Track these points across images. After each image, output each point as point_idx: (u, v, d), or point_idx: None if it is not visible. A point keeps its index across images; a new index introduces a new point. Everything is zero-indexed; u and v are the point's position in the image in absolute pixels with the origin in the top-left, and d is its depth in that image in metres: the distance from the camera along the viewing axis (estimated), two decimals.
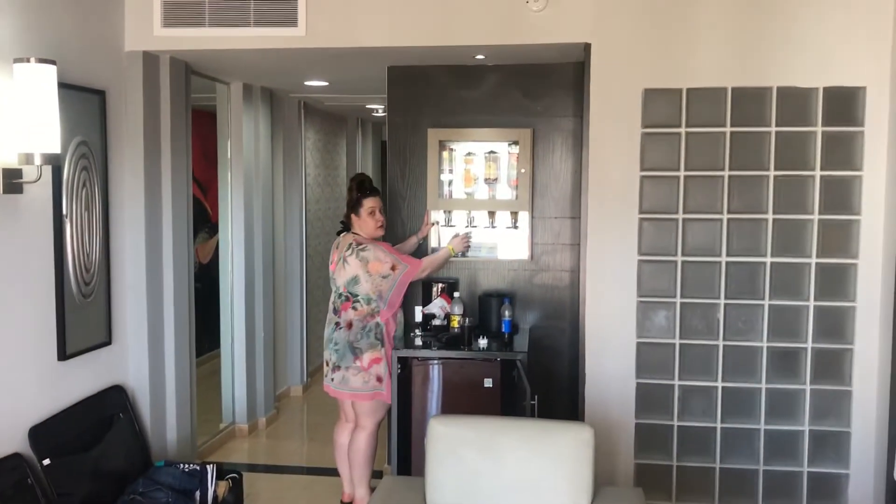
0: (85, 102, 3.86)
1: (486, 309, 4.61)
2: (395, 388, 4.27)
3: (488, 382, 4.27)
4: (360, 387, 4.23)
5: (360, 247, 4.21)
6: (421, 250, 4.76)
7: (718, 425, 4.03)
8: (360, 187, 4.32)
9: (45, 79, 3.16)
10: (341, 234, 4.40)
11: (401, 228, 4.86)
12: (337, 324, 4.27)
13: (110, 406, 4.05)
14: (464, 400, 4.27)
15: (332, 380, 4.30)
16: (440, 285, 4.68)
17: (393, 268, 4.21)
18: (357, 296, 4.22)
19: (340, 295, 4.27)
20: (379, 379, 4.23)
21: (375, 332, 4.22)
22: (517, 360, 4.17)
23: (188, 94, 4.72)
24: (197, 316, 4.89)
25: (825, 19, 3.81)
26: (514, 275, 4.82)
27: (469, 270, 4.84)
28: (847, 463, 3.94)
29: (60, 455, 3.51)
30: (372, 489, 4.42)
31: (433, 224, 4.80)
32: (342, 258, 4.24)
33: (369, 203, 4.28)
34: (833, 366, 3.93)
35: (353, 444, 4.36)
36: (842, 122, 3.84)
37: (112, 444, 3.90)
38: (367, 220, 4.27)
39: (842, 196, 3.87)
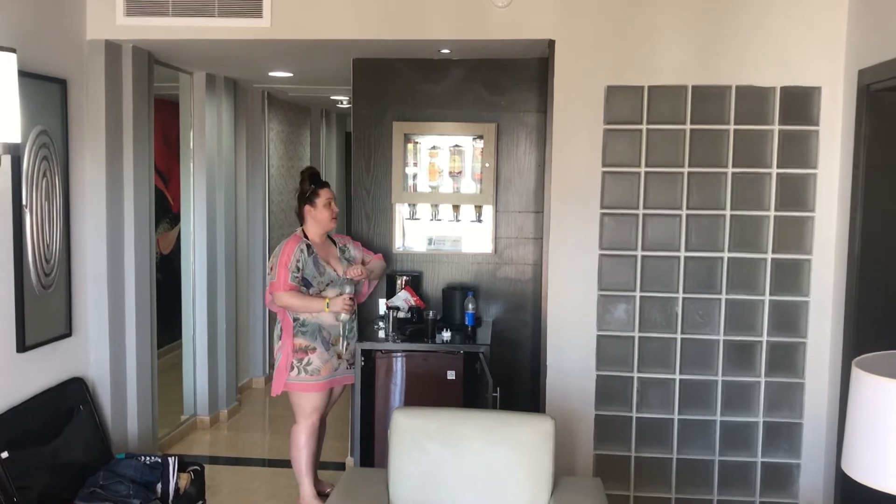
0: (46, 91, 3.81)
1: (450, 302, 4.64)
2: (358, 379, 4.29)
3: (451, 375, 4.31)
4: (276, 377, 4.26)
5: (284, 241, 4.24)
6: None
7: (676, 417, 4.11)
8: (314, 178, 4.31)
9: (4, 67, 3.09)
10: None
11: (364, 221, 4.87)
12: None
13: (70, 398, 4.00)
14: (427, 392, 4.30)
15: None
16: (404, 278, 4.70)
17: (271, 269, 4.19)
18: None
19: None
20: (282, 370, 4.21)
21: (281, 325, 4.26)
22: (480, 352, 4.21)
23: (151, 84, 4.67)
24: (158, 307, 4.86)
25: (783, 21, 3.89)
26: (478, 268, 4.86)
27: (433, 263, 4.87)
28: (799, 453, 4.05)
29: (19, 448, 3.46)
30: (319, 493, 4.43)
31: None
32: None
33: (326, 193, 4.27)
34: (786, 359, 4.03)
35: None
36: (798, 121, 3.94)
37: (72, 436, 3.86)
38: (324, 212, 4.25)
39: (797, 193, 3.97)
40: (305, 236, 4.26)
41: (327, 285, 4.21)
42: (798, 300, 4.00)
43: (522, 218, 4.82)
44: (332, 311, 4.14)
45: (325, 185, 4.33)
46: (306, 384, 4.19)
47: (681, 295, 4.06)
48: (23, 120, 3.43)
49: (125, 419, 4.51)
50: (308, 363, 4.17)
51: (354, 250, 4.46)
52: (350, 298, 4.16)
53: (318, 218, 4.26)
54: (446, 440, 3.02)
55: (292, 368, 4.17)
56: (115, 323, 4.38)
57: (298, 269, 4.14)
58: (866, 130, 3.54)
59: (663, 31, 3.95)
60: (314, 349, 4.18)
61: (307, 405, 4.24)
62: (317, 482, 4.56)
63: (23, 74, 3.38)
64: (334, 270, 4.25)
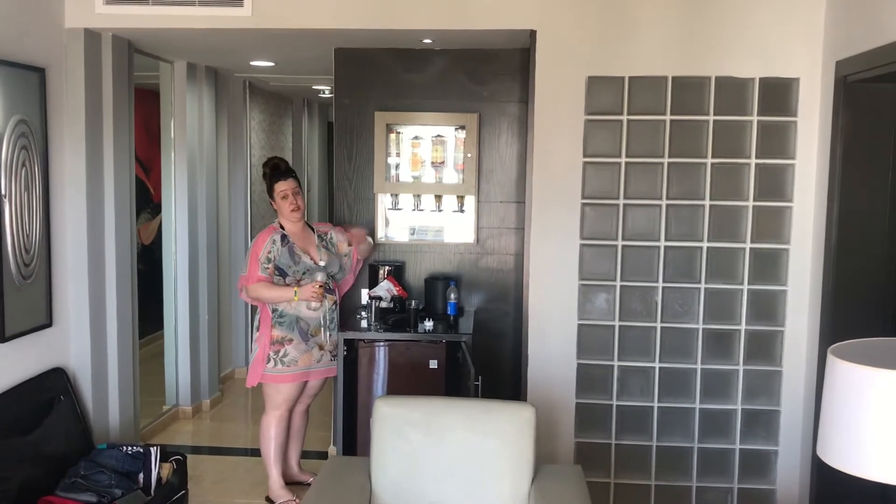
0: (24, 80, 3.77)
1: (432, 292, 4.66)
2: (340, 369, 4.30)
3: (433, 364, 4.33)
4: (252, 368, 4.30)
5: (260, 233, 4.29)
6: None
7: (655, 405, 4.16)
8: (274, 171, 4.27)
9: None
10: None
11: (347, 211, 4.87)
12: None
13: (51, 389, 3.99)
14: (409, 381, 4.32)
15: None
16: (387, 268, 4.71)
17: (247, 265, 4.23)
18: None
19: None
20: (259, 361, 4.24)
21: (260, 317, 4.29)
22: (462, 341, 4.23)
23: (131, 73, 4.64)
24: (140, 297, 4.84)
25: (762, 12, 3.92)
26: (460, 258, 4.88)
27: (415, 253, 4.88)
28: (776, 440, 4.10)
29: None
30: (301, 482, 4.46)
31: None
32: None
33: (280, 186, 4.23)
34: (765, 347, 4.08)
35: None
36: (776, 111, 3.97)
37: (52, 427, 3.85)
38: (281, 205, 4.25)
39: (775, 183, 4.00)
40: (282, 227, 4.26)
41: (303, 274, 4.21)
42: (776, 289, 4.04)
43: (504, 208, 4.84)
44: (300, 298, 4.13)
45: (283, 176, 4.26)
46: (281, 375, 4.21)
47: (660, 284, 4.09)
48: (1, 109, 3.41)
49: (107, 409, 4.49)
50: (284, 354, 4.19)
51: (338, 234, 4.46)
52: (321, 286, 4.13)
53: (280, 211, 4.28)
54: (428, 429, 3.04)
55: (269, 360, 4.19)
56: (96, 313, 4.37)
57: (269, 260, 4.16)
58: (843, 121, 3.58)
59: (644, 21, 3.97)
60: (291, 340, 4.19)
61: (277, 396, 4.27)
62: (299, 471, 4.58)
63: (0, 62, 3.36)
64: (311, 259, 4.25)
